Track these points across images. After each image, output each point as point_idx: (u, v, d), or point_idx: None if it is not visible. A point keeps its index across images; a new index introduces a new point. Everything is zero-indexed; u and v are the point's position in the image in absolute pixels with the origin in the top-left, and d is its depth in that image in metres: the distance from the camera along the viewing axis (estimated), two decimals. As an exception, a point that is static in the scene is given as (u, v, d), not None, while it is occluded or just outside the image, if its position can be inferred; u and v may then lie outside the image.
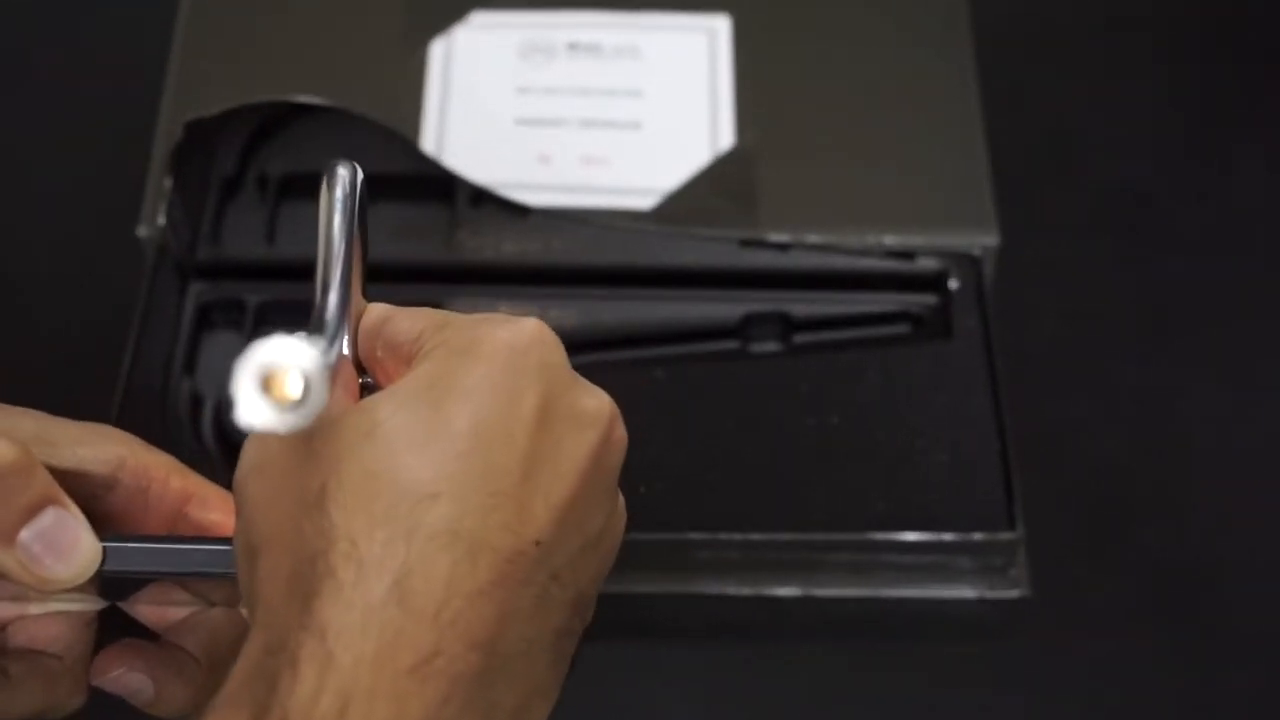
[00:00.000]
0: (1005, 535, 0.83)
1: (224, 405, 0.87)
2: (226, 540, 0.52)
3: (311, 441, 0.47)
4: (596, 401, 0.49)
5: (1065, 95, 1.04)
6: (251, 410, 0.42)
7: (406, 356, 0.50)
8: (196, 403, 0.87)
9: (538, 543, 0.46)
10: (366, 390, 0.52)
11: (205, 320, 0.91)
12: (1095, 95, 1.04)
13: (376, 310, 0.53)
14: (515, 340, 0.48)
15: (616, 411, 0.50)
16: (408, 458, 0.46)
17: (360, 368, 0.53)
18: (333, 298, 0.51)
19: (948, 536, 0.83)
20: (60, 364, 0.92)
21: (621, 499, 0.51)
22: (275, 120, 0.94)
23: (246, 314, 0.91)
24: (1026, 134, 1.01)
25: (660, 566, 0.85)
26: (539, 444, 0.47)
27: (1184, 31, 1.07)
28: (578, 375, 0.50)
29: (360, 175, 0.53)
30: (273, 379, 0.42)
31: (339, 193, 0.53)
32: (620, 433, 0.50)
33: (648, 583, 0.85)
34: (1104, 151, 1.01)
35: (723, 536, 0.84)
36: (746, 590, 0.86)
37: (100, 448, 0.56)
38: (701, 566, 0.85)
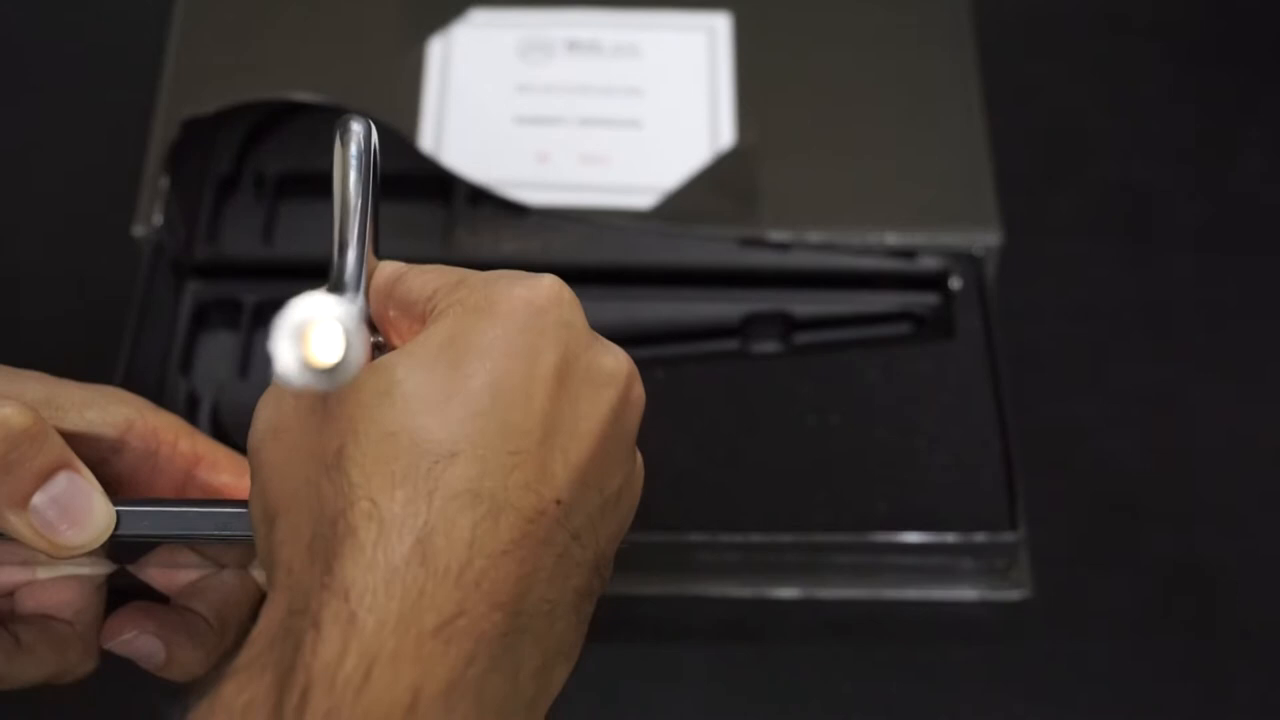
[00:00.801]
0: (1007, 536, 0.82)
1: (220, 404, 0.86)
2: (240, 503, 0.51)
3: (328, 402, 0.47)
4: (615, 360, 0.49)
5: (1068, 94, 1.04)
6: (291, 368, 0.42)
7: (420, 315, 0.50)
8: (193, 402, 0.86)
9: (558, 502, 0.46)
10: (378, 350, 0.51)
11: (202, 320, 0.90)
12: (1098, 94, 1.04)
13: (389, 268, 0.52)
14: (533, 298, 0.48)
15: (635, 370, 0.49)
16: (425, 418, 0.45)
17: (371, 326, 0.52)
18: (351, 255, 0.51)
19: (949, 537, 0.83)
20: (56, 363, 0.89)
21: (640, 458, 0.50)
22: (272, 118, 0.94)
23: (243, 313, 0.90)
24: (1029, 133, 1.01)
25: (661, 568, 0.85)
26: (558, 403, 0.47)
27: (1186, 30, 1.07)
28: (596, 334, 0.49)
29: (374, 131, 0.53)
30: (308, 337, 0.42)
31: (353, 149, 0.52)
32: (639, 391, 0.49)
33: (648, 584, 0.85)
34: (1106, 150, 1.01)
35: (723, 538, 0.83)
36: (747, 592, 0.85)
37: (108, 410, 0.55)
38: (702, 568, 0.85)
